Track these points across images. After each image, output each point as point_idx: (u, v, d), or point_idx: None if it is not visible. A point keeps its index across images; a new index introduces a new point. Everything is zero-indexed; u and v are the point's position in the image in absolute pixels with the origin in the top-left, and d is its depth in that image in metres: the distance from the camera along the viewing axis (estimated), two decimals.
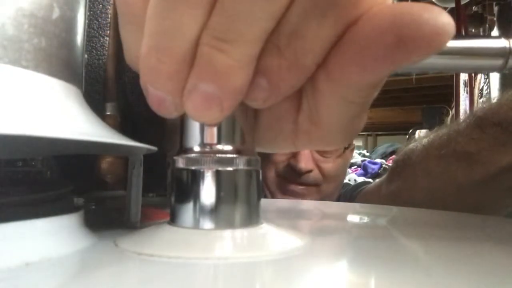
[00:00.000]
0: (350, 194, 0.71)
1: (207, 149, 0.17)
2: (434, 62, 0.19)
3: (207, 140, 0.17)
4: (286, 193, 0.65)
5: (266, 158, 0.67)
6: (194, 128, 0.18)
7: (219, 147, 0.17)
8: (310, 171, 0.64)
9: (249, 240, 0.17)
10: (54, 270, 0.14)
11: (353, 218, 0.32)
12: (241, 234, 0.17)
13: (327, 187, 0.67)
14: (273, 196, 0.67)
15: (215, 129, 0.17)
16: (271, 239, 0.18)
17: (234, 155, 0.17)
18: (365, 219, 0.30)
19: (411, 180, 0.47)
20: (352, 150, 0.74)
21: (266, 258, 0.16)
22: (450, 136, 0.41)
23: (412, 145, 0.48)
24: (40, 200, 0.16)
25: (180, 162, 0.18)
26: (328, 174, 0.66)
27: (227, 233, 0.17)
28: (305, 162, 0.63)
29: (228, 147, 0.17)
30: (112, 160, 0.27)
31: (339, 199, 0.74)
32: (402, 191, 0.49)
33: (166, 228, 0.17)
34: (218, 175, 0.17)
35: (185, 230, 0.17)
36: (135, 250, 0.16)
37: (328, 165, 0.66)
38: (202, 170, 0.17)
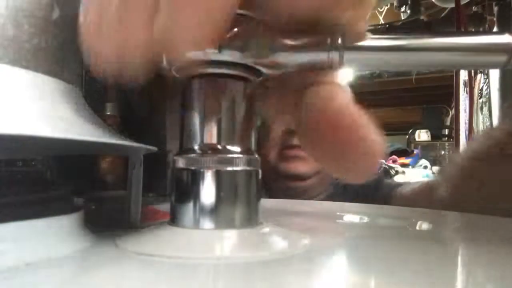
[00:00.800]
0: (375, 187, 0.69)
1: (207, 149, 0.17)
2: (437, 58, 0.19)
3: (207, 140, 0.17)
4: (289, 160, 0.66)
5: (263, 142, 0.69)
6: (194, 128, 0.18)
7: (219, 147, 0.17)
8: None
9: (249, 240, 0.17)
10: (54, 270, 0.14)
11: (354, 218, 0.32)
12: (241, 234, 0.17)
13: None
14: (276, 173, 0.67)
15: (215, 129, 0.17)
16: (271, 239, 0.18)
17: (234, 155, 0.17)
18: (365, 219, 0.30)
19: (462, 187, 0.45)
20: None
21: (266, 258, 0.16)
22: (497, 139, 0.40)
23: (461, 150, 0.47)
24: (40, 200, 0.16)
25: (180, 162, 0.18)
26: None
27: (227, 233, 0.17)
28: None
29: (228, 147, 0.17)
30: (112, 160, 0.27)
31: (358, 192, 0.71)
32: (453, 198, 0.47)
33: (166, 228, 0.17)
34: (218, 175, 0.17)
35: (185, 230, 0.17)
36: (135, 250, 0.16)
37: None
38: (202, 170, 0.17)
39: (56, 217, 0.16)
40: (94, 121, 0.18)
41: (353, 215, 0.34)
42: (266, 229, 0.18)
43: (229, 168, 0.17)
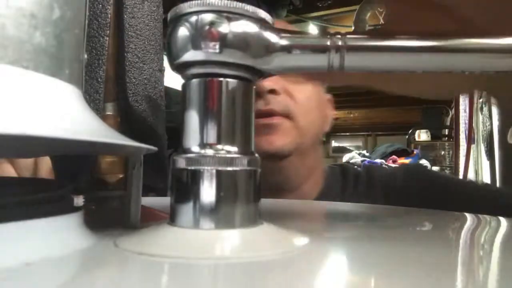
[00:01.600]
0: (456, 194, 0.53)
1: (207, 149, 0.17)
2: (446, 60, 0.18)
3: (207, 140, 0.17)
4: (260, 131, 0.49)
5: None
6: (194, 128, 0.18)
7: (219, 147, 0.17)
8: (273, 90, 0.50)
9: (249, 240, 0.17)
10: (54, 270, 0.14)
11: (353, 218, 0.32)
12: (241, 234, 0.17)
13: (303, 121, 0.53)
14: None
15: (215, 129, 0.17)
16: (271, 239, 0.18)
17: (234, 155, 0.17)
18: (366, 219, 0.30)
19: None
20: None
21: (266, 258, 0.16)
22: None
23: None
24: (40, 200, 0.16)
25: (180, 162, 0.18)
26: (299, 99, 0.53)
27: (227, 233, 0.17)
28: (268, 80, 0.49)
29: (228, 147, 0.17)
30: (112, 160, 0.27)
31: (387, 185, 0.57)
32: None
33: (166, 228, 0.17)
34: (218, 175, 0.17)
35: (185, 230, 0.17)
36: (135, 250, 0.16)
37: (297, 87, 0.53)
38: (202, 170, 0.17)
39: (56, 217, 0.16)
40: (94, 121, 0.18)
41: (353, 215, 0.34)
42: (266, 229, 0.18)
43: (229, 168, 0.17)
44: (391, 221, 0.30)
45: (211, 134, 0.17)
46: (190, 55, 0.17)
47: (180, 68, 0.18)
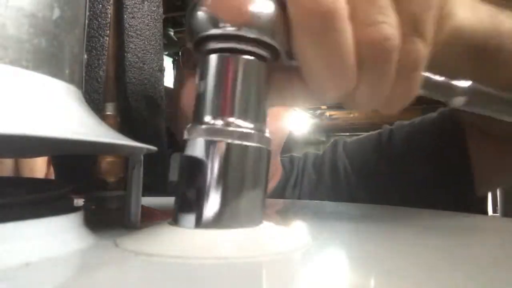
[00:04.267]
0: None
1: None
2: None
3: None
4: None
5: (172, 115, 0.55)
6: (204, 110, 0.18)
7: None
8: None
9: (249, 240, 0.17)
10: (54, 270, 0.14)
11: (354, 217, 0.32)
12: (241, 234, 0.17)
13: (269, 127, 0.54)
14: None
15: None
16: (272, 239, 0.18)
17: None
18: (366, 219, 0.30)
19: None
20: None
21: (266, 258, 0.16)
22: None
23: None
24: (40, 200, 0.16)
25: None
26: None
27: (227, 233, 0.17)
28: None
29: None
30: (112, 160, 0.27)
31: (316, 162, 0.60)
32: None
33: (166, 228, 0.17)
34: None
35: (185, 230, 0.17)
36: (135, 250, 0.16)
37: None
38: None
39: (56, 217, 0.16)
40: (94, 121, 0.18)
41: (354, 215, 0.34)
42: (267, 229, 0.18)
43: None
44: (391, 221, 0.30)
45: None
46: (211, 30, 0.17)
47: (199, 43, 0.18)
